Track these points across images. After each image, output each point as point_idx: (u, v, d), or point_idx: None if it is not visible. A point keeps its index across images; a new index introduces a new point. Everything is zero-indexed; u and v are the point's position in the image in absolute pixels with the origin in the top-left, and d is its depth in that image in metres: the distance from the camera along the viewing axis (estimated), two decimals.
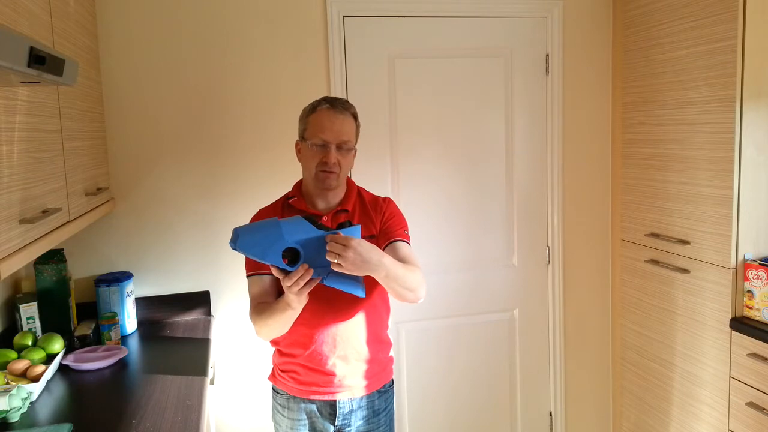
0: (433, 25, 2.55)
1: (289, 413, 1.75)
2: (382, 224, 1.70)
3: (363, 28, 2.49)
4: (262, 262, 1.41)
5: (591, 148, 2.77)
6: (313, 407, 1.73)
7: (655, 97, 2.42)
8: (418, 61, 2.55)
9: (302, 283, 1.40)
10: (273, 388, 1.82)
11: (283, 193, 1.79)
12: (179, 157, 2.37)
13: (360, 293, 1.51)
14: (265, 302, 1.62)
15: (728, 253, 2.12)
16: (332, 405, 1.72)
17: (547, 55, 2.67)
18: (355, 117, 1.70)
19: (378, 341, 1.74)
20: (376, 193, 1.80)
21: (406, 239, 1.69)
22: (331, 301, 1.63)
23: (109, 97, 2.29)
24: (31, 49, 0.97)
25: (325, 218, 1.67)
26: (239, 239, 1.37)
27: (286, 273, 1.40)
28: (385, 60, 2.52)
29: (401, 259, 1.59)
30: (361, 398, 1.73)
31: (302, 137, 1.70)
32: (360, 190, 1.78)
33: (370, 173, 2.51)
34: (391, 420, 1.83)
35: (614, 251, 2.81)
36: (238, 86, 2.39)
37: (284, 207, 1.72)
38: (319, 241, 1.39)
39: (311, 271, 1.39)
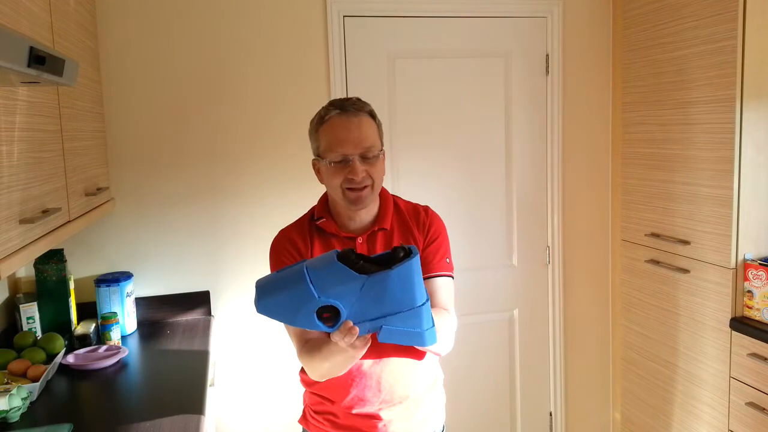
0: (433, 25, 2.55)
1: None
2: (425, 245, 1.45)
3: (363, 28, 2.48)
4: (293, 326, 1.17)
5: (591, 148, 2.77)
6: None
7: (655, 97, 2.42)
8: (417, 61, 2.55)
9: (351, 340, 1.11)
10: None
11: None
12: (179, 157, 2.37)
13: (429, 341, 1.17)
14: (314, 339, 1.33)
15: (728, 253, 2.12)
16: None
17: (547, 55, 2.67)
18: (372, 116, 1.44)
19: (427, 379, 1.50)
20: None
21: (449, 272, 1.44)
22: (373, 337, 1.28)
23: (109, 97, 2.29)
24: (31, 49, 0.97)
25: (360, 240, 1.43)
26: (260, 302, 1.13)
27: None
28: (385, 60, 2.52)
29: (436, 304, 1.36)
30: None
31: (317, 155, 1.42)
32: (396, 200, 1.52)
33: None
34: None
35: (614, 251, 2.81)
36: (237, 86, 2.39)
37: (311, 229, 1.46)
38: (362, 286, 1.11)
39: (356, 329, 1.11)
